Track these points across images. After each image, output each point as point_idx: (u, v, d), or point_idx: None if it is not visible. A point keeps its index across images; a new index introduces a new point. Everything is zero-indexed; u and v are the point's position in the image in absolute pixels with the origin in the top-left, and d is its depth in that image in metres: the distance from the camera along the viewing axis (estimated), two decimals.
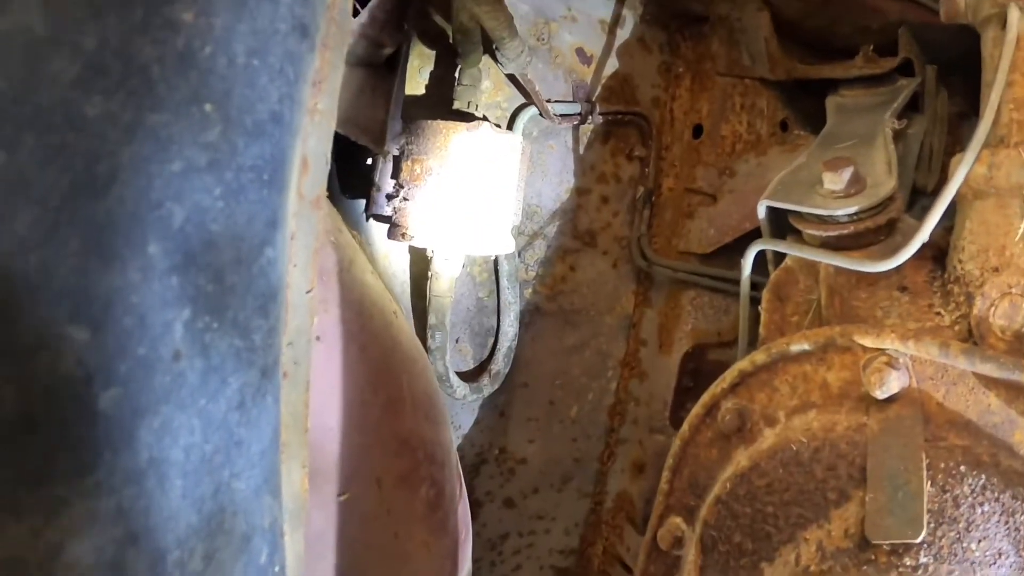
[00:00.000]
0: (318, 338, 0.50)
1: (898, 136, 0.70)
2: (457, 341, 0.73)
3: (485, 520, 0.76)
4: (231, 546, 0.37)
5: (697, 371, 0.78)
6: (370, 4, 0.59)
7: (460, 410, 0.75)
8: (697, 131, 0.80)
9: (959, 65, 0.70)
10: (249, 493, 0.38)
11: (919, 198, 0.74)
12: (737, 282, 0.66)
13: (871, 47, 0.73)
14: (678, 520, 0.63)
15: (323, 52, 0.44)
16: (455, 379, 0.70)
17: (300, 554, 0.45)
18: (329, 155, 0.45)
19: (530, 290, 0.77)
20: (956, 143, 0.75)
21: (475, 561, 0.72)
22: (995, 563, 0.49)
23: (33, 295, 0.28)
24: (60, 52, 0.27)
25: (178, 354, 0.33)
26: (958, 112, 0.75)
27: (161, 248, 0.31)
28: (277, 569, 0.41)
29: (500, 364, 0.73)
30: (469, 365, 0.74)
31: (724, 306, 0.76)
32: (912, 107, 0.73)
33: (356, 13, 0.57)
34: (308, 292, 0.45)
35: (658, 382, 0.80)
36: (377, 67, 0.62)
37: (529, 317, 0.76)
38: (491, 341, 0.74)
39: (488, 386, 0.72)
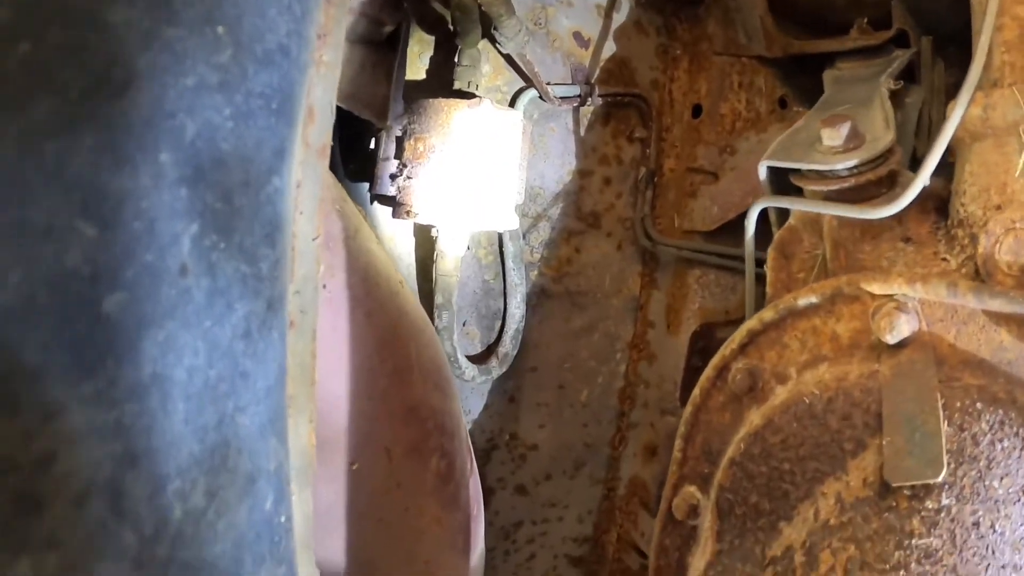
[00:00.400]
0: (324, 286, 0.51)
1: (896, 101, 0.72)
2: (464, 324, 0.74)
3: (498, 508, 0.76)
4: (235, 486, 0.37)
5: (706, 350, 0.78)
6: None
7: (470, 395, 0.76)
8: (696, 111, 0.83)
9: (954, 36, 0.72)
10: (254, 431, 0.38)
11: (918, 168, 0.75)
12: (743, 259, 0.67)
13: (865, 20, 0.75)
14: (692, 489, 0.63)
15: (327, 8, 0.46)
16: (464, 360, 0.71)
17: (309, 515, 0.45)
18: (334, 106, 0.47)
19: (536, 272, 0.78)
20: None
21: (488, 550, 0.72)
22: (1020, 500, 0.49)
23: (46, 182, 0.29)
24: None
25: (185, 268, 0.34)
26: (955, 83, 0.77)
27: (172, 157, 0.33)
28: (283, 519, 0.41)
29: (508, 346, 0.74)
30: (477, 348, 0.75)
31: (731, 284, 0.77)
32: (909, 78, 0.76)
33: None
34: (315, 239, 0.46)
35: (667, 363, 0.80)
36: (378, 44, 0.64)
37: (536, 299, 0.78)
38: (498, 324, 0.75)
39: (497, 368, 0.73)
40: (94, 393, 0.30)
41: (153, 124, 0.32)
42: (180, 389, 0.34)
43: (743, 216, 0.77)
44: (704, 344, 0.78)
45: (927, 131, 0.76)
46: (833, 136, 0.60)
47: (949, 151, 0.58)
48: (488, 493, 0.76)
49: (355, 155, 0.69)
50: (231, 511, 0.37)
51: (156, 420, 0.33)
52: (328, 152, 0.47)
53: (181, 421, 0.34)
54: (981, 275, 0.54)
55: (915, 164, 0.76)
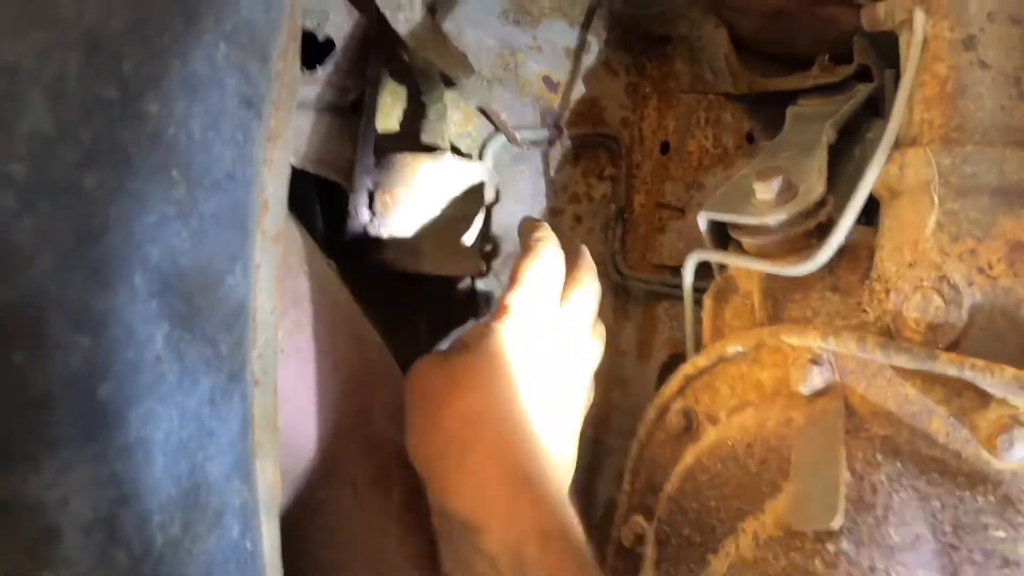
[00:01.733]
0: (282, 351, 0.66)
1: (857, 141, 0.83)
2: None
3: None
4: (206, 519, 0.53)
5: None
6: (332, 53, 0.76)
7: None
8: (665, 148, 0.94)
9: None
10: (220, 476, 0.53)
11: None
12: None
13: (827, 56, 0.86)
14: (639, 519, 0.76)
15: (276, 113, 0.61)
16: None
17: (276, 543, 0.61)
18: (286, 198, 0.62)
19: None
20: None
21: None
22: (913, 548, 0.58)
23: (53, 313, 0.44)
24: (66, 144, 0.44)
25: (159, 358, 0.49)
26: None
27: (143, 279, 0.48)
28: (249, 546, 0.57)
29: None
30: None
31: (698, 315, 0.89)
32: (874, 111, 0.86)
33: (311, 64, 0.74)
34: (272, 312, 0.61)
35: (639, 392, 0.93)
36: (344, 110, 0.78)
37: None
38: None
39: None
40: (94, 455, 0.46)
41: (126, 257, 0.47)
42: (159, 447, 0.49)
43: None
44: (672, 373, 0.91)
45: None
46: (765, 190, 0.71)
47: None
48: None
49: (335, 209, 0.83)
50: (203, 540, 0.53)
51: (141, 471, 0.48)
52: (281, 237, 0.62)
53: (161, 471, 0.49)
54: (891, 330, 0.65)
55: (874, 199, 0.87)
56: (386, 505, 0.73)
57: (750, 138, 0.91)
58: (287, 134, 0.62)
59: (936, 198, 0.63)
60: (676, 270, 0.92)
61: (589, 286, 0.69)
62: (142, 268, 0.48)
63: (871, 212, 0.88)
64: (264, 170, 0.60)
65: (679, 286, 0.90)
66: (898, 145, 0.67)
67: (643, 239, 0.94)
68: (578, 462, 0.95)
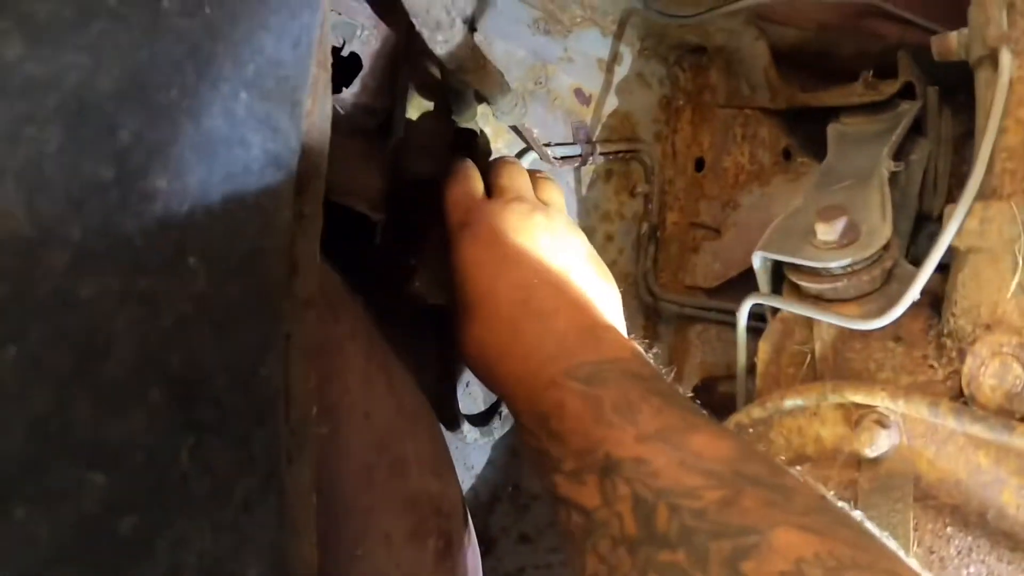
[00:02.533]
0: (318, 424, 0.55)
1: (896, 172, 0.72)
2: (467, 385, 0.77)
3: (501, 555, 0.82)
4: None
5: (707, 404, 0.81)
6: (361, 73, 0.63)
7: (474, 451, 0.80)
8: (699, 164, 0.83)
9: (961, 85, 0.71)
10: None
11: (925, 224, 0.75)
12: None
13: (871, 72, 0.74)
14: None
15: (304, 159, 0.48)
16: (466, 425, 0.74)
17: None
18: (317, 255, 0.50)
19: None
20: (962, 163, 0.76)
21: None
22: None
23: (56, 453, 0.33)
24: (50, 247, 0.32)
25: (185, 476, 0.39)
26: (963, 131, 0.76)
27: (162, 392, 0.37)
28: None
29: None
30: (479, 407, 0.78)
31: (731, 338, 0.79)
32: (916, 130, 0.75)
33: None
34: (306, 382, 0.50)
35: None
36: (371, 133, 0.66)
37: None
38: None
39: (499, 428, 0.77)
40: None
41: (139, 370, 0.36)
42: (192, 570, 0.39)
43: (745, 273, 0.79)
44: (705, 398, 0.81)
45: (933, 185, 0.76)
46: (828, 231, 0.61)
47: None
48: (492, 542, 0.81)
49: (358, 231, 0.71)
50: None
51: None
52: (314, 300, 0.50)
53: None
54: (965, 394, 0.56)
55: (920, 220, 0.77)
56: (421, 558, 0.63)
57: (787, 154, 0.80)
58: (318, 183, 0.50)
59: (1021, 258, 0.54)
60: (709, 292, 0.81)
61: (551, 180, 0.64)
62: (160, 379, 0.37)
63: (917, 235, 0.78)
64: (293, 227, 0.48)
65: (713, 309, 0.80)
66: (979, 197, 0.56)
67: (676, 259, 0.83)
68: None
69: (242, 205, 0.40)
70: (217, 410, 0.40)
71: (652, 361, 0.52)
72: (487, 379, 0.57)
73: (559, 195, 0.63)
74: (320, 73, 0.50)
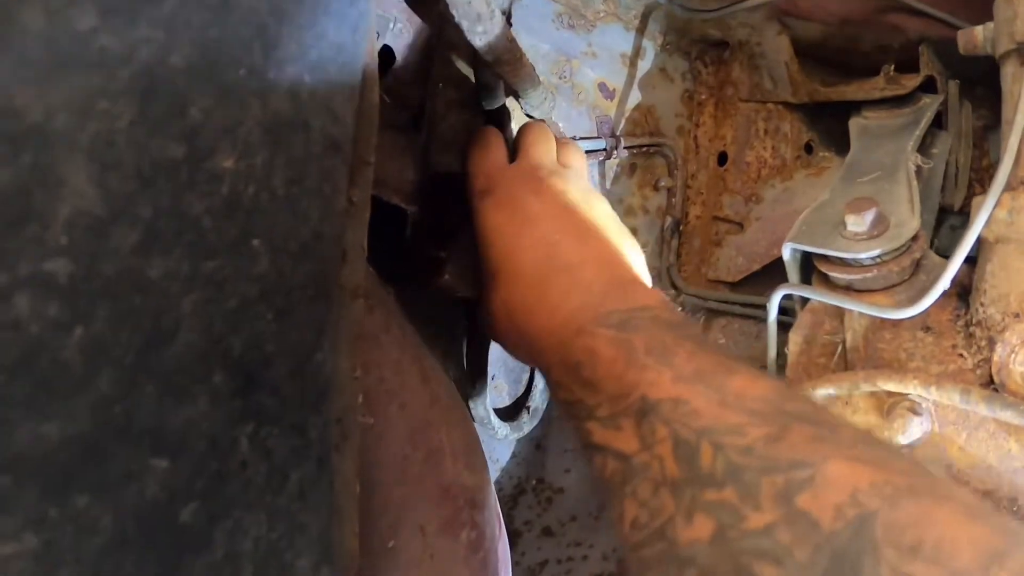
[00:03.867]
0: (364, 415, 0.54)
1: (922, 159, 0.72)
2: (493, 378, 0.77)
3: (524, 549, 0.81)
4: None
5: None
6: (394, 65, 0.63)
7: (498, 444, 0.79)
8: (722, 158, 0.83)
9: (982, 78, 0.71)
10: (309, 569, 0.43)
11: (946, 216, 0.76)
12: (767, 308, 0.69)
13: (892, 66, 0.74)
14: None
15: (355, 148, 0.48)
16: (496, 420, 0.74)
17: None
18: (365, 244, 0.49)
19: None
20: (983, 156, 0.76)
21: None
22: None
23: (119, 439, 0.33)
24: (119, 226, 0.31)
25: (244, 463, 0.38)
26: (984, 125, 0.76)
27: (225, 376, 0.36)
28: None
29: (538, 400, 0.77)
30: (505, 401, 0.78)
31: (755, 332, 0.79)
32: (937, 123, 0.75)
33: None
34: (353, 373, 0.50)
35: None
36: (402, 126, 0.66)
37: None
38: (525, 376, 0.78)
39: (528, 423, 0.76)
40: None
41: (204, 354, 0.35)
42: (247, 558, 0.39)
43: (769, 266, 0.79)
44: None
45: (954, 178, 0.76)
46: (858, 222, 0.61)
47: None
48: (515, 536, 0.81)
49: (389, 226, 0.70)
50: None
51: None
52: (361, 290, 0.49)
53: None
54: (995, 382, 0.56)
55: (942, 213, 0.77)
56: (454, 549, 0.63)
57: (809, 148, 0.80)
58: (367, 171, 0.49)
59: None
60: (733, 286, 0.81)
61: (573, 145, 0.64)
62: (223, 364, 0.37)
63: (939, 227, 0.78)
64: (344, 214, 0.47)
65: (737, 303, 0.80)
66: (1007, 187, 0.56)
67: (699, 253, 0.83)
68: None
69: (304, 189, 0.40)
70: (276, 396, 0.40)
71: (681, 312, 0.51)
72: (516, 341, 0.55)
73: (581, 159, 0.62)
74: (369, 61, 0.49)
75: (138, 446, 0.33)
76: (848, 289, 0.63)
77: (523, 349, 0.55)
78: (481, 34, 0.56)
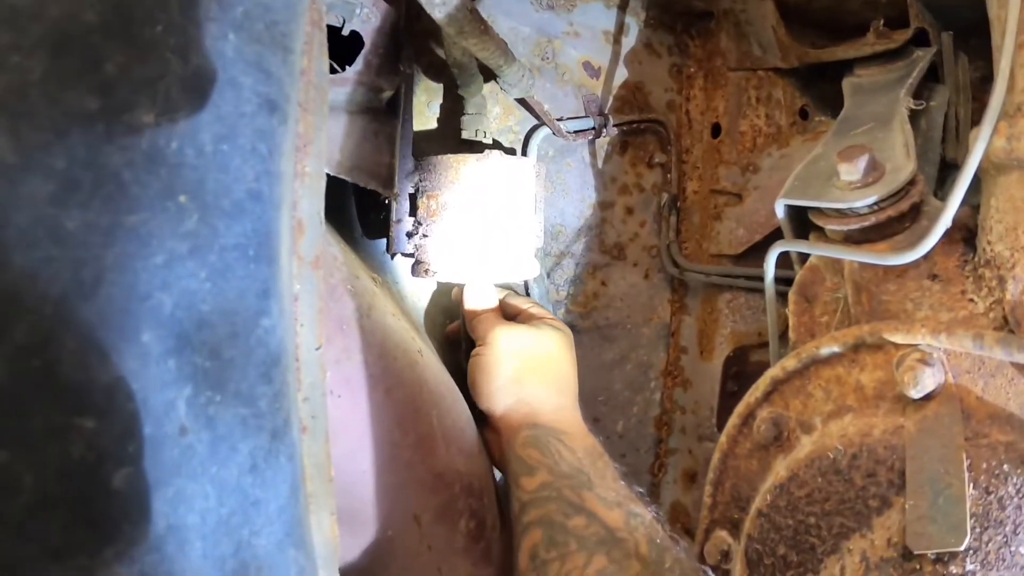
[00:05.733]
0: (332, 392, 0.52)
1: (920, 112, 0.68)
2: None
3: None
4: None
5: (740, 374, 0.77)
6: (363, 50, 0.62)
7: None
8: (716, 130, 0.80)
9: (976, 28, 0.67)
10: (271, 548, 0.41)
11: (949, 171, 0.71)
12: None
13: (881, 21, 0.70)
14: (723, 534, 0.63)
15: (304, 116, 0.46)
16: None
17: None
18: (322, 215, 0.48)
19: (563, 310, 0.78)
20: (982, 108, 0.72)
21: None
22: None
23: (38, 394, 0.31)
24: (32, 175, 0.30)
25: (184, 429, 0.36)
26: (981, 76, 0.72)
27: (154, 335, 0.34)
28: None
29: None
30: None
31: (761, 306, 0.75)
32: (933, 77, 0.71)
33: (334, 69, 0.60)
34: (317, 349, 0.48)
35: (703, 389, 0.79)
36: (378, 111, 0.64)
37: None
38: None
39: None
40: (115, 555, 0.34)
41: (130, 311, 0.34)
42: (195, 532, 0.37)
43: (770, 236, 0.75)
44: (738, 368, 0.77)
45: (955, 132, 0.72)
46: (851, 170, 0.57)
47: (975, 178, 0.55)
48: None
49: (373, 212, 0.69)
50: None
51: (176, 563, 0.36)
52: (321, 261, 0.47)
53: (200, 557, 0.37)
54: (1010, 322, 0.51)
55: (944, 168, 0.72)
56: (452, 538, 0.60)
57: (804, 114, 0.77)
58: (320, 140, 0.48)
59: None
60: (736, 259, 0.77)
61: (533, 304, 0.74)
62: (152, 322, 0.35)
63: (943, 183, 0.73)
64: (296, 185, 0.46)
65: (740, 276, 0.76)
66: (1003, 115, 0.52)
67: (699, 228, 0.79)
68: (639, 466, 0.82)
69: (236, 148, 0.38)
70: (216, 360, 0.37)
71: None
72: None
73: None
74: (315, 32, 0.48)
75: (60, 402, 0.31)
76: (847, 242, 0.59)
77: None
78: (440, 5, 0.54)
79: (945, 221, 0.53)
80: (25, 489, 0.30)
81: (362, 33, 0.62)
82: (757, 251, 0.75)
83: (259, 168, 0.40)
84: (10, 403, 0.30)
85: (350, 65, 0.61)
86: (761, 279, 0.73)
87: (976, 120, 0.72)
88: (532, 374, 0.67)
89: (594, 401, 0.79)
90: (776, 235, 0.67)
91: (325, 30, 0.48)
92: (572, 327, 0.77)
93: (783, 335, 0.67)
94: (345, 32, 0.61)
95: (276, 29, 0.41)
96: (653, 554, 0.56)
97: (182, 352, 0.36)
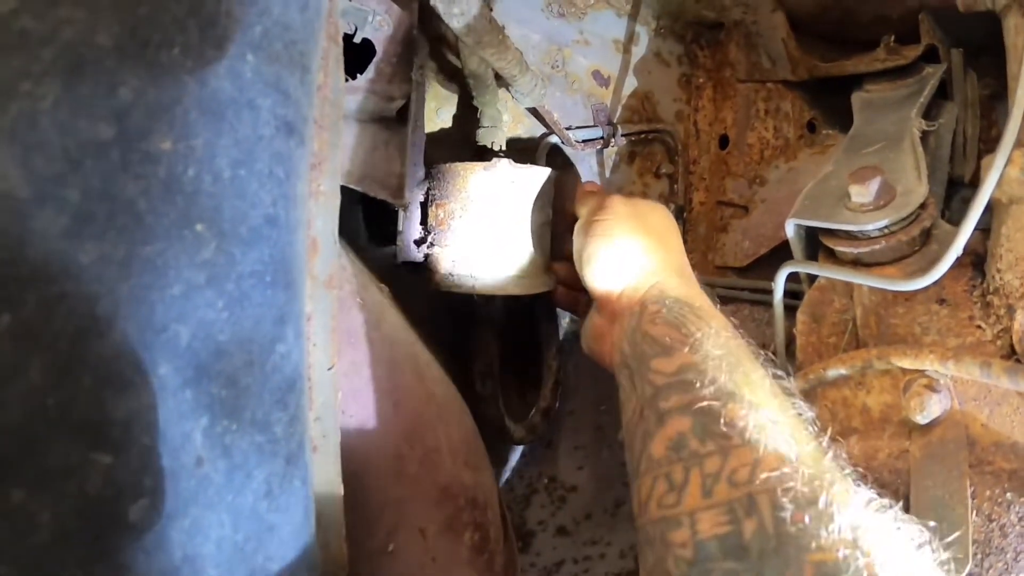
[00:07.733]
0: (342, 411, 0.51)
1: (928, 131, 0.68)
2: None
3: (539, 549, 0.78)
4: None
5: None
6: (375, 59, 0.60)
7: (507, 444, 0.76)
8: (723, 142, 0.79)
9: (986, 46, 0.67)
10: (285, 573, 0.40)
11: (957, 189, 0.71)
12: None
13: (892, 37, 0.70)
14: None
15: (319, 134, 0.45)
16: (510, 423, 0.70)
17: None
18: (336, 233, 0.46)
19: (567, 319, 0.77)
20: (991, 126, 0.71)
21: None
22: None
23: (54, 432, 0.30)
24: (45, 209, 0.29)
25: (200, 460, 0.35)
26: (990, 94, 0.71)
27: (171, 368, 0.34)
28: None
29: (549, 399, 0.73)
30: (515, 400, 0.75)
31: (765, 318, 0.75)
32: (941, 94, 0.71)
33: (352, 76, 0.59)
34: (330, 369, 0.47)
35: None
36: (389, 120, 0.63)
37: (569, 346, 0.77)
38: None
39: (541, 424, 0.72)
40: None
41: (146, 344, 0.33)
42: (210, 560, 0.36)
43: (776, 249, 0.75)
44: None
45: (963, 149, 0.71)
46: (862, 192, 0.56)
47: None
48: (530, 536, 0.78)
49: (382, 220, 0.68)
50: None
51: None
52: (335, 280, 0.47)
53: None
54: (1017, 351, 0.51)
55: (952, 186, 0.72)
56: (456, 551, 0.59)
57: (811, 127, 0.76)
58: (334, 158, 0.47)
59: None
60: (741, 272, 0.77)
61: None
62: (169, 355, 0.34)
63: (950, 200, 0.73)
64: (311, 203, 0.45)
65: (746, 289, 0.76)
66: (1018, 144, 0.52)
67: (704, 239, 0.79)
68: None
69: (253, 173, 0.37)
70: (232, 389, 0.37)
71: None
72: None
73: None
74: (331, 46, 0.47)
75: (76, 439, 0.30)
76: (856, 264, 0.58)
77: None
78: (458, 16, 0.53)
79: (956, 249, 0.52)
80: (42, 527, 0.30)
81: (374, 41, 0.60)
82: (762, 264, 0.74)
83: (276, 192, 0.39)
84: (26, 442, 0.30)
85: (361, 73, 0.60)
86: (765, 292, 0.73)
87: (984, 138, 0.72)
88: (658, 239, 0.59)
89: (596, 409, 0.79)
90: (782, 248, 0.67)
91: (341, 44, 0.47)
92: (576, 336, 0.77)
93: (788, 348, 0.66)
94: (357, 40, 0.60)
95: (295, 48, 0.40)
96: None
97: (199, 383, 0.35)
